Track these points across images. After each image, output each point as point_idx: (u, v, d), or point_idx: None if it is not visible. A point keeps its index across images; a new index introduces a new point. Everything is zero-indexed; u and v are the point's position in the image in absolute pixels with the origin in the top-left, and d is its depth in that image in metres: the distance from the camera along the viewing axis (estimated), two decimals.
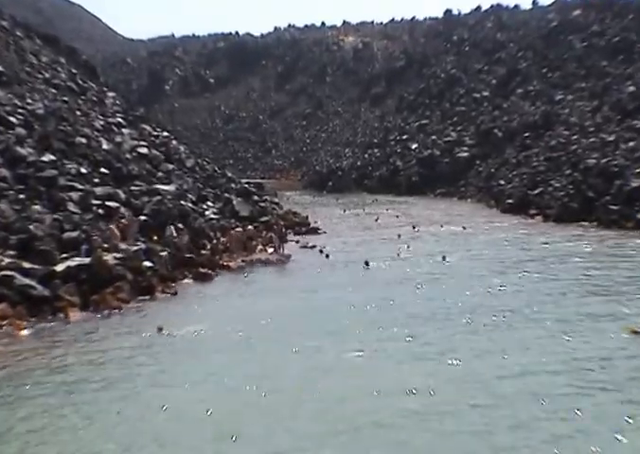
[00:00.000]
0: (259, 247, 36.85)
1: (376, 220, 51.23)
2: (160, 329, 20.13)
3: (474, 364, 16.45)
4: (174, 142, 49.51)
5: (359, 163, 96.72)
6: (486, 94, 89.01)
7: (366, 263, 30.77)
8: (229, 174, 53.96)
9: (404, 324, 20.17)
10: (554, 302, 23.04)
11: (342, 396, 14.37)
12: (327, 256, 34.58)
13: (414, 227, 45.58)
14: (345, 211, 60.78)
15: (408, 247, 35.83)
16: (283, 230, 38.10)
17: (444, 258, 31.68)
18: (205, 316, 21.99)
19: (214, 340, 19.18)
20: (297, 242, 40.13)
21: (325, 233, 45.13)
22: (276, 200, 57.76)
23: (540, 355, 17.11)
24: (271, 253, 35.32)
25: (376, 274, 28.21)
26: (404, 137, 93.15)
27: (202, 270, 29.30)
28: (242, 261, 32.79)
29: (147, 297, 24.87)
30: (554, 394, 14.47)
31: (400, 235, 41.10)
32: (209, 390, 15.17)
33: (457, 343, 18.17)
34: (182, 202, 35.89)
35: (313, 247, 37.63)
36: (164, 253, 28.62)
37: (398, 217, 53.65)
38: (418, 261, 31.79)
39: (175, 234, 30.79)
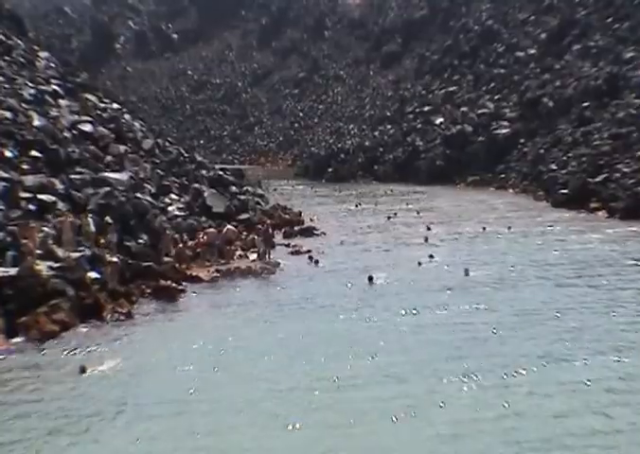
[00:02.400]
0: (239, 253, 36.72)
1: (388, 219, 51.22)
2: (83, 370, 19.47)
3: None
4: (127, 117, 49.41)
5: (367, 143, 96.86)
6: (532, 52, 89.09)
7: (370, 279, 30.60)
8: (199, 158, 53.90)
9: None
10: None
11: None
12: (316, 262, 35.22)
13: (428, 228, 45.52)
14: (357, 206, 60.74)
15: (431, 256, 35.58)
16: (270, 230, 38.01)
17: (467, 273, 31.47)
18: (157, 346, 21.62)
19: (150, 387, 18.37)
20: (288, 246, 40.08)
21: (323, 234, 45.08)
22: (261, 191, 57.71)
23: None
24: (253, 261, 35.23)
25: (377, 299, 27.37)
26: (426, 109, 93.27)
27: (163, 282, 29.22)
28: (217, 271, 32.72)
29: (93, 319, 24.74)
30: None
31: (427, 239, 41.00)
32: None
33: None
34: (138, 195, 35.80)
35: (308, 252, 37.63)
36: (114, 260, 28.53)
37: (419, 213, 53.68)
38: (443, 278, 31.23)
39: (94, 228, 30.36)
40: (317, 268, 34.48)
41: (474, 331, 22.50)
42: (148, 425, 16.08)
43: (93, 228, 30.28)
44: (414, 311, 25.29)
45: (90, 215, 30.92)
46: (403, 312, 25.23)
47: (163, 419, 16.42)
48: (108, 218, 31.32)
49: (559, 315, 24.27)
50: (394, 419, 15.90)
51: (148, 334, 23.49)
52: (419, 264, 33.67)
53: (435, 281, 30.44)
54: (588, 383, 17.74)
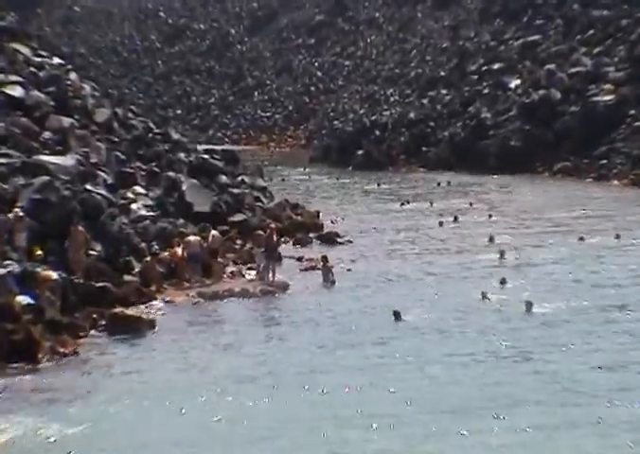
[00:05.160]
0: (231, 269, 36.74)
1: (440, 225, 50.78)
2: None
3: None
4: (73, 76, 49.38)
5: (412, 114, 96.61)
6: None
7: (396, 315, 29.99)
8: (175, 136, 53.86)
9: None
10: None
11: None
12: (334, 283, 35.23)
13: (490, 239, 44.68)
14: (402, 205, 60.39)
15: (503, 281, 34.82)
16: (274, 238, 37.85)
17: (529, 307, 30.54)
18: (98, 410, 20.94)
19: None
20: (300, 260, 40.13)
21: (350, 243, 45.14)
22: (263, 182, 57.59)
23: None
24: (251, 280, 35.27)
25: (395, 355, 26.57)
26: (496, 67, 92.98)
27: (124, 310, 29.11)
28: (199, 295, 32.66)
29: (23, 362, 24.65)
30: None
31: (503, 254, 40.05)
32: None
33: None
34: (88, 188, 35.76)
35: (328, 268, 37.53)
36: (54, 277, 28.47)
37: (491, 216, 53.28)
38: (509, 318, 30.29)
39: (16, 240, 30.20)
40: (334, 292, 34.31)
41: None
42: None
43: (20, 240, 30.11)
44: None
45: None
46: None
47: None
48: (18, 211, 30.98)
49: None
50: None
51: (93, 388, 23.07)
52: (484, 296, 32.25)
53: (492, 323, 29.22)
54: None
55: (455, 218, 52.54)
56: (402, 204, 60.63)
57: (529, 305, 30.13)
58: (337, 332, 28.47)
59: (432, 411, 20.32)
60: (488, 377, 22.87)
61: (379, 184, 74.80)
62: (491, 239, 44.80)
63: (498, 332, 27.43)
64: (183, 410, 20.90)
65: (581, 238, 44.60)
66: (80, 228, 31.97)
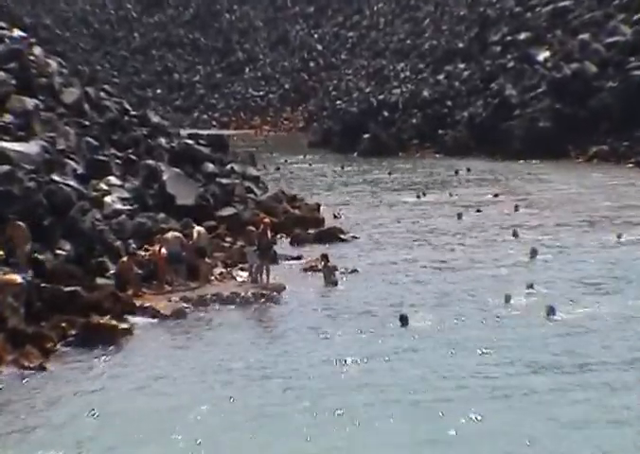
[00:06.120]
0: (219, 270, 36.83)
1: (459, 218, 50.75)
2: None
3: None
4: (38, 51, 49.48)
5: (426, 93, 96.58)
6: None
7: (403, 320, 29.97)
8: (155, 119, 53.92)
9: None
10: None
11: None
12: (336, 284, 35.32)
13: (514, 234, 44.80)
14: (418, 197, 60.19)
15: (531, 286, 34.65)
16: (269, 234, 37.86)
17: (551, 312, 30.39)
18: (60, 438, 21.22)
19: None
20: (299, 259, 40.24)
21: (355, 240, 45.36)
22: (255, 171, 57.66)
23: None
24: (243, 283, 35.37)
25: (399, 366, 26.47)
26: (521, 37, 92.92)
27: (97, 319, 29.13)
28: (184, 300, 32.68)
29: None
30: None
31: (534, 253, 39.90)
32: None
33: None
34: (55, 178, 35.81)
35: (330, 269, 37.57)
36: (17, 281, 28.52)
37: (517, 208, 53.24)
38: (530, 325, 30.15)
39: None
40: (335, 294, 34.40)
41: None
42: None
43: None
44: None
45: None
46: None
47: None
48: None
49: None
50: None
51: (57, 408, 23.04)
52: (507, 299, 32.23)
53: (509, 332, 28.74)
54: None
55: (478, 211, 52.49)
56: (418, 197, 60.42)
57: (551, 310, 30.01)
58: (334, 344, 28.32)
59: None
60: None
61: (390, 173, 74.59)
62: (515, 234, 44.83)
63: (513, 345, 27.07)
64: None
65: (619, 236, 44.33)
66: (20, 223, 31.73)
